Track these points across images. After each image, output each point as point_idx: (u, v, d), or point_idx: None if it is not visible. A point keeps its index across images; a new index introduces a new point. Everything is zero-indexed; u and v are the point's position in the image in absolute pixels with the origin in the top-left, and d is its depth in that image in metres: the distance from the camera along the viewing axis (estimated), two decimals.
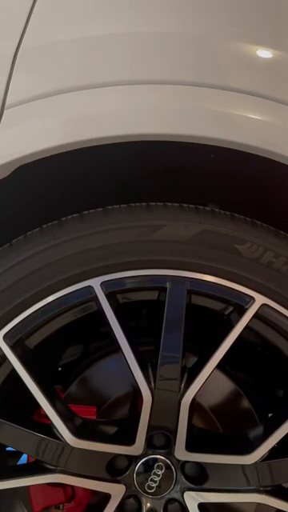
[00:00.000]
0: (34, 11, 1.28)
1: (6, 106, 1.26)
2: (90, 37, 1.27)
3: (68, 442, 1.35)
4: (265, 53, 1.27)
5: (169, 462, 1.36)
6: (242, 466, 1.35)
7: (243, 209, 1.39)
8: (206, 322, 1.44)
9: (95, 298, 1.33)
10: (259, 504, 1.39)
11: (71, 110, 1.26)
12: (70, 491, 1.51)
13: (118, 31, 1.27)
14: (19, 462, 1.77)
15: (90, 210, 1.34)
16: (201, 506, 1.36)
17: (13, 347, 1.34)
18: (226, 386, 1.59)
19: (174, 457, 1.36)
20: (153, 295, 1.37)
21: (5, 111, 1.26)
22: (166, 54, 1.26)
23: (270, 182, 1.47)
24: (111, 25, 1.28)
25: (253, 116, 1.24)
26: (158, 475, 1.36)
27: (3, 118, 1.26)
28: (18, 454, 1.76)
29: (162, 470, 1.36)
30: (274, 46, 1.27)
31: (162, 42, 1.26)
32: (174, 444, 1.36)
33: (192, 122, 1.24)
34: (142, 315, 1.68)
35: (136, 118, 1.25)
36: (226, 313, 1.36)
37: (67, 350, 1.78)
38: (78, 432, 1.36)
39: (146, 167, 1.46)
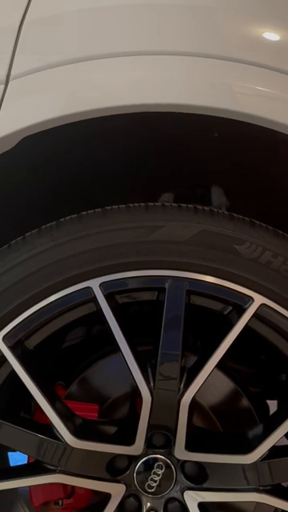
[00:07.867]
0: None
1: (11, 78, 1.26)
2: (97, 8, 1.27)
3: (68, 442, 1.35)
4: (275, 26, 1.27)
5: (169, 461, 1.36)
6: (242, 465, 1.35)
7: (245, 191, 1.38)
8: (206, 322, 1.44)
9: (94, 299, 1.33)
10: (258, 503, 1.39)
11: (75, 81, 1.25)
12: (69, 488, 1.52)
13: (126, 2, 1.27)
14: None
15: (89, 211, 1.34)
16: (201, 505, 1.37)
17: (12, 348, 1.34)
18: (225, 385, 1.60)
19: (174, 456, 1.37)
20: (152, 295, 1.37)
21: (10, 82, 1.25)
22: (173, 25, 1.25)
23: (273, 162, 1.47)
24: None
25: (263, 88, 1.24)
26: (158, 475, 1.36)
27: (8, 89, 1.25)
28: None
29: (161, 469, 1.36)
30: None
31: (170, 13, 1.26)
32: (174, 444, 1.36)
33: (203, 93, 1.24)
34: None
35: (142, 88, 1.24)
36: (226, 313, 1.36)
37: (69, 334, 1.77)
38: (77, 432, 1.36)
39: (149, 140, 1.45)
